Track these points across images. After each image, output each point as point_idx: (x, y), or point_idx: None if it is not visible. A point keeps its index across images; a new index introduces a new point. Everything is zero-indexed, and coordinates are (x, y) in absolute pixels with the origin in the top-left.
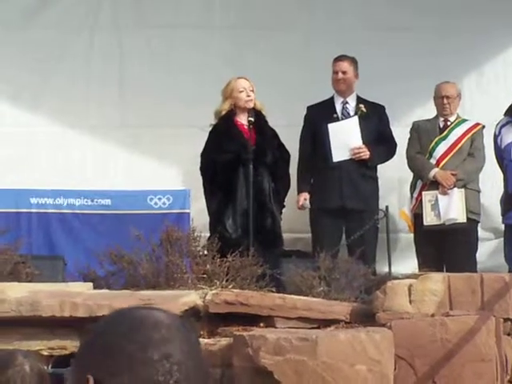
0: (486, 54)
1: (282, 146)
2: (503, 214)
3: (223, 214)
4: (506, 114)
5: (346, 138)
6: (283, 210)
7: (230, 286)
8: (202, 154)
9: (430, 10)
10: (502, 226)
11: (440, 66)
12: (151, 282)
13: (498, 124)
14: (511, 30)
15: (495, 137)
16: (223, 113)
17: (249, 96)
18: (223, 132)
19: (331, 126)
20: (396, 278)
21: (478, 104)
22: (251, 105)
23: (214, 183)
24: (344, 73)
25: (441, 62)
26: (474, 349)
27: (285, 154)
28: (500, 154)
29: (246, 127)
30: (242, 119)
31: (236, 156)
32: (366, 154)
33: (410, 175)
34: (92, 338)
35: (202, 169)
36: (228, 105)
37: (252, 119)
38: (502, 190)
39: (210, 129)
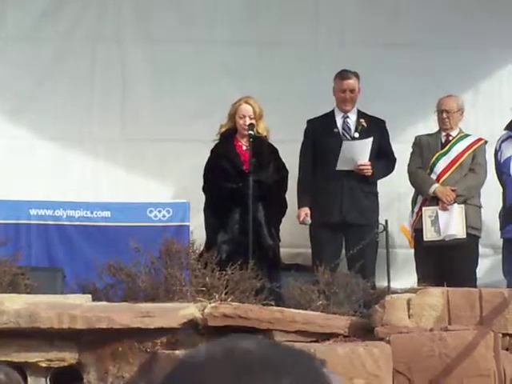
0: (483, 71)
1: (281, 166)
2: (501, 228)
3: (218, 233)
4: (506, 129)
5: (354, 156)
6: (282, 226)
7: (229, 299)
8: (205, 175)
9: (430, 27)
10: (501, 242)
11: (439, 83)
12: (150, 295)
13: (499, 139)
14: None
15: (496, 152)
16: (222, 129)
17: (245, 125)
18: (223, 154)
19: (345, 144)
20: (395, 292)
21: (475, 120)
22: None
23: (214, 203)
24: (352, 91)
25: (439, 78)
26: (472, 363)
27: (283, 172)
28: (499, 168)
29: (244, 149)
30: (242, 141)
31: (237, 186)
32: (369, 171)
33: (409, 190)
34: None
35: (204, 189)
36: (229, 124)
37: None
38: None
39: (212, 147)
